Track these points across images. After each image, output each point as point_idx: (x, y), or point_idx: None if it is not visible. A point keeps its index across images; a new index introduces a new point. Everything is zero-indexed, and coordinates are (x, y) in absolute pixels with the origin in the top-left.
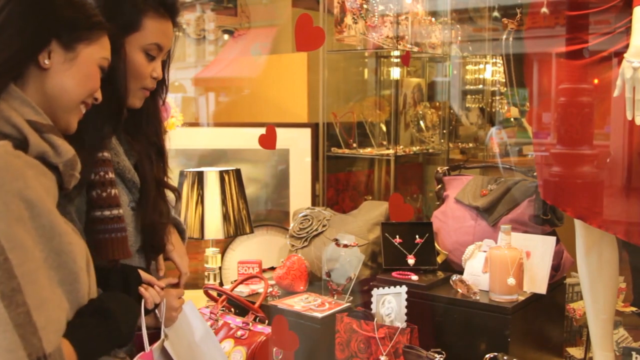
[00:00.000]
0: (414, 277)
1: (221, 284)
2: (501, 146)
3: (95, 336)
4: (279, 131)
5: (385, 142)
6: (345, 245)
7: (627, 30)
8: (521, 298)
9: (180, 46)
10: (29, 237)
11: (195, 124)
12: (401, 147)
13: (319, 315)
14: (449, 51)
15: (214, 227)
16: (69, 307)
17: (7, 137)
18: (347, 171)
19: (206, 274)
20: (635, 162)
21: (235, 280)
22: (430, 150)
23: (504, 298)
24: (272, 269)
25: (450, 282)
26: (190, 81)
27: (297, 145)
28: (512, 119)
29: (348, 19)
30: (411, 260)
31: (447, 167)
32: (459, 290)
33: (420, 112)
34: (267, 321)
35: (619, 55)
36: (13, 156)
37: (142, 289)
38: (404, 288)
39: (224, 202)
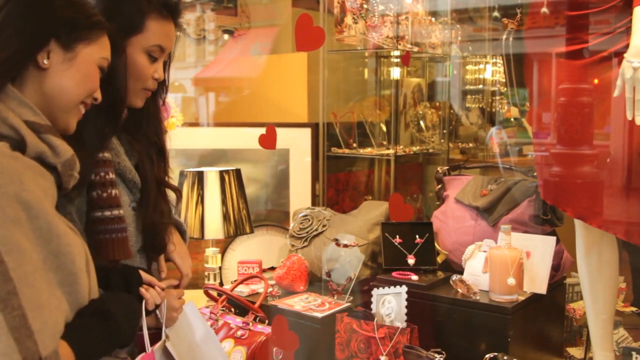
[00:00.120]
0: (414, 277)
1: (221, 284)
2: (501, 146)
3: (95, 337)
4: (279, 131)
5: (385, 142)
6: (345, 245)
7: (627, 30)
8: (521, 298)
9: (180, 46)
10: (26, 239)
11: (195, 124)
12: (401, 147)
13: (319, 315)
14: (449, 51)
15: (214, 227)
16: (69, 308)
17: (5, 138)
18: (347, 171)
19: (206, 273)
20: (635, 162)
21: (235, 280)
22: (430, 150)
23: (504, 298)
24: (272, 269)
25: (450, 282)
26: (190, 81)
27: (297, 145)
28: (512, 119)
29: (348, 19)
30: (411, 260)
31: (447, 167)
32: (459, 290)
33: (421, 112)
34: (267, 321)
35: (619, 55)
36: (10, 158)
37: (142, 290)
38: (404, 288)
39: (224, 202)
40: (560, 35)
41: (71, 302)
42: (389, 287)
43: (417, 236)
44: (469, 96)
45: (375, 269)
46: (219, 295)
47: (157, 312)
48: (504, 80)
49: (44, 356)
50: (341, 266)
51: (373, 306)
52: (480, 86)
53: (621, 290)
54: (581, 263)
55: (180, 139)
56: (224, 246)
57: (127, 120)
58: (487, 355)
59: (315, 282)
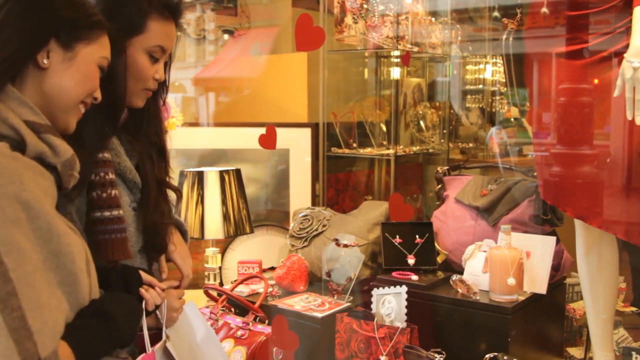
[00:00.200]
0: (414, 277)
1: (221, 284)
2: (501, 146)
3: (95, 337)
4: (279, 131)
5: (385, 142)
6: (345, 245)
7: (627, 30)
8: (521, 298)
9: (180, 46)
10: (26, 239)
11: (195, 124)
12: (401, 147)
13: (319, 315)
14: (449, 51)
15: (214, 227)
16: (69, 309)
17: (4, 138)
18: (347, 171)
19: (206, 273)
20: (635, 162)
21: (235, 280)
22: (430, 150)
23: (504, 298)
24: (272, 269)
25: (450, 282)
26: (190, 81)
27: (297, 145)
28: (512, 119)
29: (348, 19)
30: (411, 260)
31: (447, 167)
32: (459, 290)
33: (421, 112)
34: (267, 321)
35: (619, 55)
36: (9, 158)
37: (142, 290)
38: (404, 288)
39: (224, 202)
40: (560, 35)
41: (71, 302)
42: (389, 287)
43: (417, 236)
44: (469, 96)
45: (375, 269)
46: (219, 295)
47: (157, 312)
48: (504, 80)
49: (44, 357)
50: (341, 266)
51: (373, 306)
52: (480, 86)
53: (621, 290)
54: (581, 263)
55: (180, 139)
56: (224, 246)
57: (127, 120)
58: (487, 355)
59: (315, 282)
